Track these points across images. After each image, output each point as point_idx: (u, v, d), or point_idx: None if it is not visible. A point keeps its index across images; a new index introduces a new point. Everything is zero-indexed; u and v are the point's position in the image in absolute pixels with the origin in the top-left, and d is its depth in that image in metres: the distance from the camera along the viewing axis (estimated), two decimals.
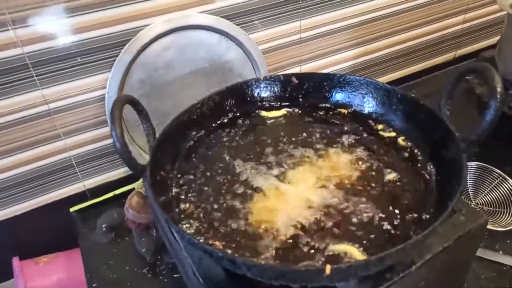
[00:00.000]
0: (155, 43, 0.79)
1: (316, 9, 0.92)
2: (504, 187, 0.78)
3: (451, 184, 0.47)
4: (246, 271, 0.39)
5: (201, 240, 0.46)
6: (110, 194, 0.87)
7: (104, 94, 0.79)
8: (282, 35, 0.92)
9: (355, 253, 0.44)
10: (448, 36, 1.19)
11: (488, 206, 0.78)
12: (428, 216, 0.48)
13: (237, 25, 0.84)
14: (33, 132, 0.77)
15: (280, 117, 0.66)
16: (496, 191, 0.79)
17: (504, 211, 0.76)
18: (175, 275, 0.72)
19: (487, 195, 0.80)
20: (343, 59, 1.04)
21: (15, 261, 0.84)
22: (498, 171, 0.79)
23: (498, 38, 0.96)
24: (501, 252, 0.71)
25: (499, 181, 0.79)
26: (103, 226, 0.82)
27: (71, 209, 0.87)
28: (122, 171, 0.89)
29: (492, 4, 1.18)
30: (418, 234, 0.41)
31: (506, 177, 0.78)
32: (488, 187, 0.80)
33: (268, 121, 0.66)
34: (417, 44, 1.15)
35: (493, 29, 1.24)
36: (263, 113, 0.66)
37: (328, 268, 0.36)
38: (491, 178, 0.80)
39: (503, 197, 0.78)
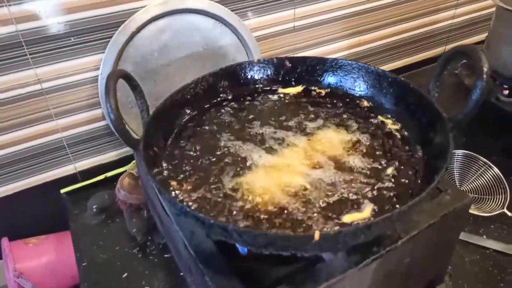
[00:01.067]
0: (150, 26, 0.79)
1: None
2: (489, 175, 0.80)
3: (437, 161, 0.48)
4: (237, 238, 0.40)
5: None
6: (102, 176, 0.87)
7: (98, 76, 0.79)
8: (276, 22, 0.93)
9: None
10: (439, 30, 1.21)
11: (474, 193, 0.80)
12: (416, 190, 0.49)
13: (232, 10, 0.85)
14: (25, 111, 0.77)
15: (296, 94, 0.67)
16: (481, 178, 0.81)
17: (488, 198, 0.78)
18: (165, 255, 0.73)
19: (473, 182, 0.82)
20: (336, 50, 1.06)
21: (4, 241, 0.84)
22: (484, 159, 0.81)
23: (463, 44, 0.98)
24: (484, 236, 0.73)
25: (485, 169, 0.81)
26: (94, 207, 0.82)
27: (62, 191, 0.86)
28: (113, 154, 0.89)
29: (483, 0, 1.20)
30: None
31: (491, 165, 0.80)
32: (474, 174, 0.82)
33: (262, 102, 0.67)
34: (408, 37, 1.17)
35: (483, 25, 1.27)
36: (280, 90, 0.67)
37: (317, 234, 0.37)
38: (477, 166, 0.82)
39: (488, 184, 0.80)
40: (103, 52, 0.77)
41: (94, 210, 0.82)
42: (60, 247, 0.86)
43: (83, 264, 0.72)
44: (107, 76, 0.48)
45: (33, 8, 0.69)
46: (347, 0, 0.99)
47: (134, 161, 0.81)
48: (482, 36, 1.27)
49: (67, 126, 0.82)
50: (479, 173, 0.81)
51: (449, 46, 1.26)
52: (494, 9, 0.91)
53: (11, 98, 0.74)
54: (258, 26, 0.91)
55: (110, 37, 0.76)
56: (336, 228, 0.38)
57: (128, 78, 0.52)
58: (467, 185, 0.82)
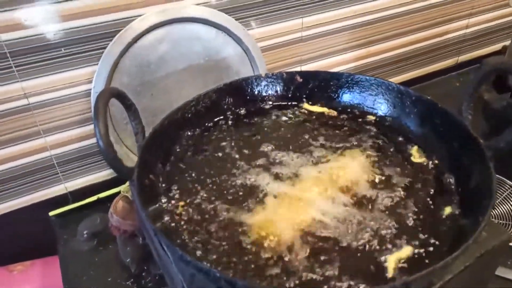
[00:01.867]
0: (147, 36, 0.73)
1: (319, 6, 0.88)
2: None
3: (477, 197, 0.42)
4: None
5: (196, 255, 0.40)
6: (94, 198, 0.81)
7: (90, 89, 0.72)
8: (283, 32, 0.87)
9: None
10: (451, 41, 1.15)
11: (500, 219, 0.74)
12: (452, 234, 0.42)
13: (236, 19, 0.79)
14: (10, 128, 0.70)
15: (319, 112, 0.60)
16: (507, 203, 0.75)
17: None
18: None
19: (498, 207, 0.75)
20: (344, 61, 1.00)
21: None
22: (510, 182, 0.75)
23: (502, 44, 0.92)
24: None
25: (510, 192, 0.75)
26: (85, 232, 0.75)
27: (51, 213, 0.80)
28: (107, 173, 0.83)
29: (498, 10, 1.15)
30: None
31: None
32: (498, 198, 0.76)
33: (268, 121, 0.60)
34: (419, 48, 1.11)
35: (497, 35, 1.21)
36: (306, 106, 0.61)
37: None
38: (503, 189, 0.75)
39: None
40: (96, 64, 0.71)
41: (85, 235, 0.75)
42: (46, 275, 0.79)
43: None
44: (96, 96, 0.42)
45: (19, 16, 0.63)
46: (356, 9, 0.93)
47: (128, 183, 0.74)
48: (496, 46, 1.22)
49: (57, 143, 0.76)
50: (505, 197, 0.75)
51: (461, 57, 1.21)
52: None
53: None
54: (264, 36, 0.85)
55: (104, 48, 0.70)
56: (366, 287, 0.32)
57: (121, 97, 0.46)
58: (492, 211, 0.75)
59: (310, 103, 0.62)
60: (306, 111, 0.62)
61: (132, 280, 0.68)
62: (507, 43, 0.97)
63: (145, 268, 0.69)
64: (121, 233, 0.70)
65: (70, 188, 0.82)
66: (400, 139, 0.56)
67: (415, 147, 0.54)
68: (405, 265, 0.40)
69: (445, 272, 0.42)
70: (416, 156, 0.53)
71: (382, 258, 0.40)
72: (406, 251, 0.42)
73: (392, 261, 0.40)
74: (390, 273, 0.39)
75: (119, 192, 0.75)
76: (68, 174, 0.80)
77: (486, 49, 1.23)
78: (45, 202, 0.80)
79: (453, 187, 0.48)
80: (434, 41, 1.12)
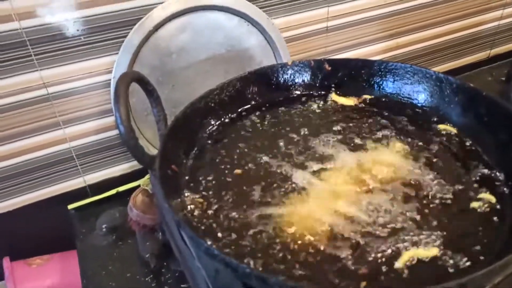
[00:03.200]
0: (168, 24, 0.71)
1: None
2: None
3: None
4: None
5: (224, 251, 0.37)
6: (113, 191, 0.79)
7: (110, 80, 0.70)
8: (308, 22, 0.83)
9: None
10: (484, 33, 1.09)
11: None
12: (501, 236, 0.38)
13: (260, 8, 0.76)
14: (29, 119, 0.69)
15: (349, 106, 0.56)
16: None
17: None
18: (182, 286, 0.64)
19: None
20: (371, 53, 0.96)
21: (6, 261, 0.76)
22: None
23: None
24: None
25: None
26: (104, 226, 0.73)
27: (70, 207, 0.78)
28: (126, 166, 0.81)
29: None
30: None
31: None
32: None
33: (295, 111, 0.57)
34: (450, 40, 1.06)
35: None
36: (334, 97, 0.57)
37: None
38: None
39: None
40: (117, 53, 0.69)
41: (104, 229, 0.74)
42: (65, 269, 0.78)
43: None
44: (117, 80, 0.39)
45: (38, 3, 0.61)
46: None
47: (148, 175, 0.72)
48: None
49: (76, 135, 0.74)
50: None
51: (494, 50, 1.15)
52: None
53: (14, 104, 0.66)
54: (288, 25, 0.82)
55: (125, 37, 0.68)
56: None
57: (142, 81, 0.43)
58: None
59: (338, 93, 0.58)
60: (334, 102, 0.58)
61: (151, 276, 0.66)
62: None
63: (165, 264, 0.67)
64: (140, 227, 0.68)
65: (89, 181, 0.80)
66: (441, 130, 0.52)
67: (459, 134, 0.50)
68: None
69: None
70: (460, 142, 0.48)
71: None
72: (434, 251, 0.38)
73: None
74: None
75: (138, 186, 0.73)
76: (87, 167, 0.78)
77: None
78: (63, 195, 0.79)
79: (500, 184, 0.44)
80: (465, 32, 1.07)
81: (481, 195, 0.43)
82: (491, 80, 1.10)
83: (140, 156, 0.39)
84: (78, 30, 0.65)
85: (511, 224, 0.39)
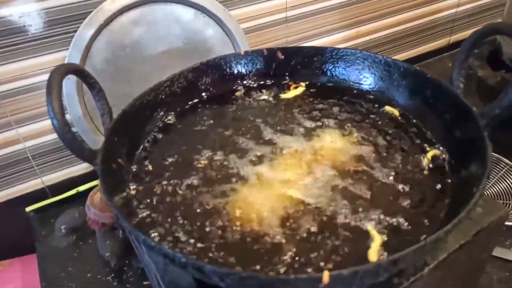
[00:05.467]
0: (121, 17, 0.69)
1: None
2: None
3: (471, 168, 0.38)
4: (218, 281, 0.30)
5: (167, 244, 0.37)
6: (73, 191, 0.77)
7: None
8: (266, 13, 0.83)
9: None
10: (442, 20, 1.11)
11: (495, 199, 0.70)
12: (444, 210, 0.39)
13: None
14: None
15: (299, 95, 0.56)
16: (503, 181, 0.71)
17: None
18: (144, 283, 0.63)
19: (494, 186, 0.72)
20: (332, 42, 0.96)
21: None
22: (506, 160, 0.72)
23: (494, 22, 0.89)
24: None
25: (506, 170, 0.72)
26: (63, 227, 0.72)
27: (27, 209, 0.76)
28: (86, 166, 0.79)
29: None
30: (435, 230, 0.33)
31: None
32: (494, 177, 0.72)
33: (251, 101, 0.57)
34: (410, 28, 1.07)
35: (489, 13, 1.18)
36: (283, 96, 0.57)
37: (326, 275, 0.27)
38: (498, 168, 0.72)
39: (511, 188, 0.70)
40: (67, 49, 0.67)
41: (63, 230, 0.72)
42: (26, 273, 0.75)
43: None
44: (50, 72, 0.38)
45: None
46: None
47: None
48: None
49: (30, 135, 0.72)
50: (501, 176, 0.72)
51: (454, 37, 1.17)
52: None
53: None
54: (246, 16, 0.81)
55: (75, 31, 0.66)
56: (352, 268, 0.29)
57: (82, 74, 0.42)
58: (488, 190, 0.72)
59: (284, 92, 0.58)
60: (290, 88, 0.58)
61: (112, 275, 0.65)
62: (500, 21, 0.94)
63: (126, 262, 0.66)
64: (99, 226, 0.66)
65: (48, 182, 0.78)
66: (387, 112, 0.52)
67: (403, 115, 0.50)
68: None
69: (439, 249, 0.38)
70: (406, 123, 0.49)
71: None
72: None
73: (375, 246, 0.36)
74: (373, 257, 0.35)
75: (97, 185, 0.71)
76: (45, 167, 0.76)
77: (478, 27, 1.19)
78: (21, 197, 0.76)
79: (446, 162, 0.45)
80: (425, 20, 1.08)
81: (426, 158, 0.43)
82: (452, 65, 1.12)
83: (78, 150, 0.38)
84: (26, 26, 0.63)
85: (449, 202, 0.39)
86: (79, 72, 0.42)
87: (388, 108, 0.52)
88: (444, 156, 0.45)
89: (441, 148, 0.46)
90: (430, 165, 0.44)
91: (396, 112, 0.52)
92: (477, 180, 0.35)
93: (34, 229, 0.74)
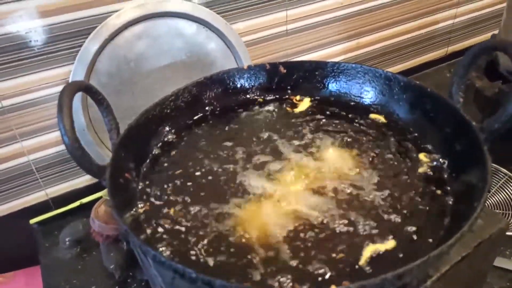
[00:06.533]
0: (125, 32, 0.70)
1: None
2: (511, 187, 0.72)
3: (472, 182, 0.39)
4: None
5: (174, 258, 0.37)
6: (76, 203, 0.78)
7: None
8: (267, 26, 0.84)
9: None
10: (440, 31, 1.13)
11: (494, 209, 0.71)
12: (446, 222, 0.40)
13: (218, 13, 0.76)
14: None
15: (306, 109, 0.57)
16: (502, 192, 0.72)
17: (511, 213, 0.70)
18: None
19: (492, 196, 0.73)
20: (332, 54, 0.98)
21: None
22: (504, 170, 0.73)
23: (491, 33, 0.91)
24: None
25: (505, 180, 0.73)
26: (67, 239, 0.72)
27: (31, 221, 0.76)
28: (89, 178, 0.80)
29: None
30: (438, 243, 0.33)
31: None
32: (493, 187, 0.73)
33: (251, 115, 0.58)
34: (408, 39, 1.09)
35: (486, 24, 1.20)
36: (289, 109, 0.58)
37: None
38: (497, 178, 0.73)
39: (510, 198, 0.71)
40: (72, 63, 0.68)
41: (67, 242, 0.72)
42: (30, 286, 0.76)
43: None
44: (61, 90, 0.39)
45: None
46: (342, 0, 0.91)
47: None
48: (486, 36, 1.21)
49: (35, 148, 0.72)
50: (499, 186, 0.73)
51: (451, 48, 1.19)
52: (503, 4, 0.84)
53: None
54: (247, 30, 0.82)
55: (80, 46, 0.67)
56: (359, 282, 0.30)
57: (90, 91, 0.43)
58: (487, 200, 0.73)
59: (292, 96, 0.59)
60: (293, 102, 0.59)
61: (117, 287, 0.65)
62: (496, 32, 0.96)
63: (131, 274, 0.66)
64: (103, 238, 0.67)
65: (52, 195, 0.78)
66: (388, 130, 0.53)
67: (407, 133, 0.52)
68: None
69: (441, 262, 0.39)
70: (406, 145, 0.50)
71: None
72: (391, 243, 0.39)
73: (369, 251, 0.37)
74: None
75: (101, 197, 0.72)
76: (49, 179, 0.77)
77: (475, 38, 1.21)
78: (25, 210, 0.77)
79: (446, 175, 0.46)
80: (422, 31, 1.10)
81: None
82: (450, 76, 1.13)
83: (87, 166, 0.39)
84: (31, 41, 0.64)
85: (450, 215, 0.40)
86: (88, 89, 0.43)
87: (373, 115, 0.53)
88: (441, 161, 0.46)
89: (441, 160, 0.47)
90: (430, 175, 0.45)
91: (382, 118, 0.53)
92: (478, 194, 0.36)
93: (38, 241, 0.74)
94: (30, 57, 0.65)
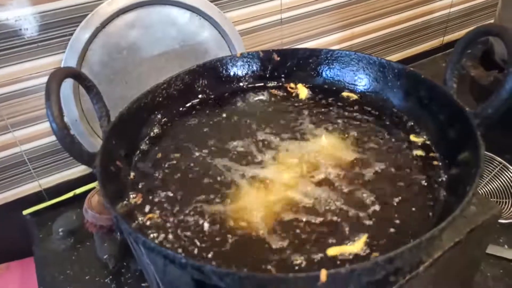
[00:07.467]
0: (116, 20, 0.69)
1: None
2: (506, 176, 0.72)
3: (465, 166, 0.39)
4: (217, 281, 0.30)
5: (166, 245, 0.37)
6: (70, 194, 0.77)
7: None
8: (261, 14, 0.84)
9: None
10: (436, 21, 1.13)
11: (489, 197, 0.71)
12: (439, 206, 0.40)
13: (211, 1, 0.75)
14: None
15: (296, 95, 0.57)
16: (497, 180, 0.72)
17: (506, 201, 0.70)
18: (142, 284, 0.63)
19: (487, 184, 0.73)
20: (327, 44, 0.97)
21: None
22: (499, 158, 0.73)
23: (487, 22, 0.90)
24: (506, 246, 0.64)
25: (500, 169, 0.73)
26: (60, 230, 0.71)
27: (25, 212, 0.76)
28: (82, 168, 0.79)
29: None
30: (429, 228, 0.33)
31: (507, 165, 0.72)
32: (488, 176, 0.73)
33: (245, 103, 0.57)
34: (404, 29, 1.08)
35: (482, 14, 1.19)
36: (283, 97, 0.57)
37: (324, 274, 0.28)
38: (492, 166, 0.73)
39: (505, 186, 0.71)
40: (63, 52, 0.67)
41: (61, 233, 0.72)
42: (24, 277, 0.75)
43: None
44: (49, 76, 0.38)
45: None
46: None
47: None
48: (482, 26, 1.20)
49: (26, 138, 0.72)
50: (494, 174, 0.73)
51: (447, 37, 1.18)
52: None
53: None
54: (241, 18, 0.81)
55: (71, 34, 0.66)
56: (349, 266, 0.29)
57: (79, 77, 0.42)
58: (481, 188, 0.73)
59: (286, 84, 0.59)
60: (287, 90, 0.59)
61: (110, 277, 0.65)
62: (492, 21, 0.95)
63: (124, 264, 0.66)
64: (97, 229, 0.67)
65: (45, 185, 0.78)
66: (382, 114, 0.53)
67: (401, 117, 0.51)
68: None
69: (434, 247, 0.39)
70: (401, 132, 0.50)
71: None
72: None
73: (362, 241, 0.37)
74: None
75: (94, 188, 0.71)
76: (42, 170, 0.76)
77: (471, 28, 1.21)
78: (18, 201, 0.76)
79: (440, 163, 0.46)
80: (418, 21, 1.10)
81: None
82: (445, 66, 1.13)
83: (77, 153, 0.38)
84: (21, 29, 0.63)
85: (443, 200, 0.40)
86: (76, 75, 0.42)
87: (345, 93, 0.53)
88: (435, 148, 0.46)
89: (434, 147, 0.46)
90: (423, 162, 0.45)
91: (354, 96, 0.52)
92: (471, 179, 0.36)
93: (31, 232, 0.74)
94: (20, 45, 0.64)
